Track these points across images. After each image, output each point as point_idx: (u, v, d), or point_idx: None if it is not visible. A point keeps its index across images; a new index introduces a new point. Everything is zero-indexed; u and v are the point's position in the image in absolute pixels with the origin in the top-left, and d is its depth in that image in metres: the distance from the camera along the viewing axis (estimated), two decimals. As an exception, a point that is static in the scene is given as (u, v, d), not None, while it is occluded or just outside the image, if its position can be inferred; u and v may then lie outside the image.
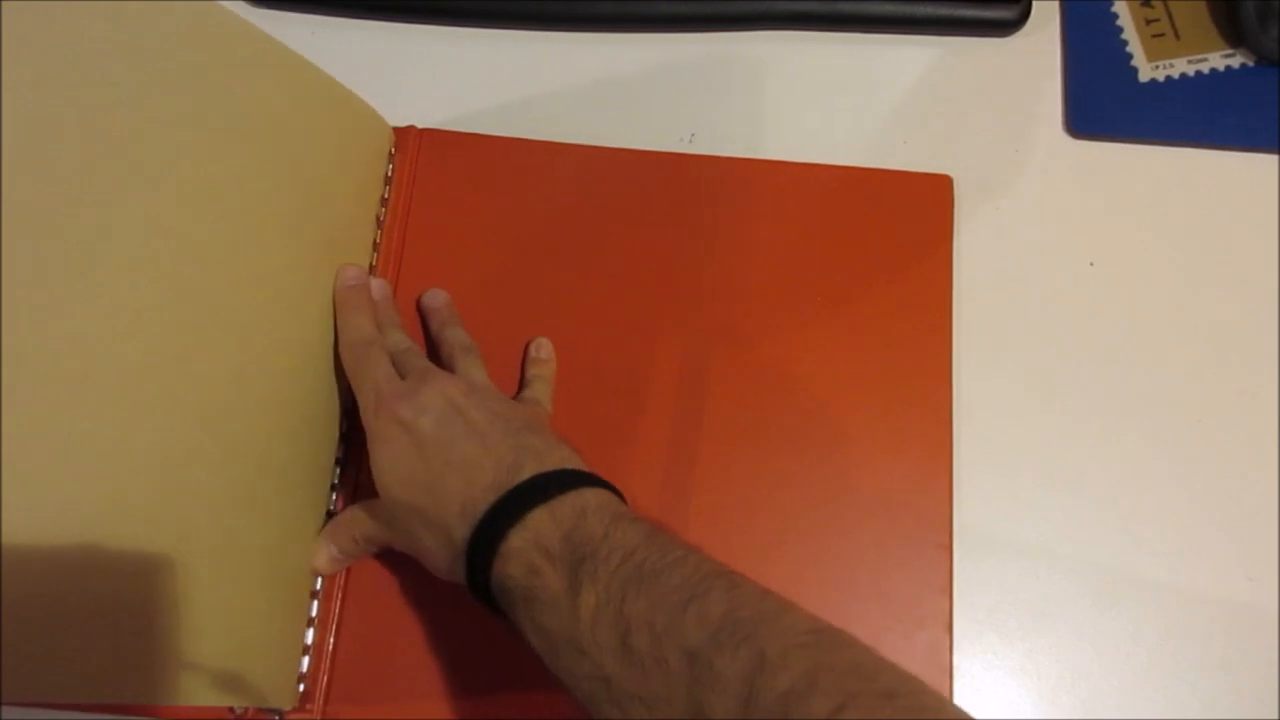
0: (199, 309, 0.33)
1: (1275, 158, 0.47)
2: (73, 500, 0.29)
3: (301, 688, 0.39)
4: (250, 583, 0.36)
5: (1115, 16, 0.49)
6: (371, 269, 0.44)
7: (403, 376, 0.38)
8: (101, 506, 0.29)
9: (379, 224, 0.45)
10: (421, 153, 0.46)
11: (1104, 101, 0.48)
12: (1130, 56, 0.48)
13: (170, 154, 0.31)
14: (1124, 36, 0.49)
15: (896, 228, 0.45)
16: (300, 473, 0.39)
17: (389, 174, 0.46)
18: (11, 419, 0.26)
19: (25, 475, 0.26)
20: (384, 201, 0.45)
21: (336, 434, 0.42)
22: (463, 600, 0.34)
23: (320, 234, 0.40)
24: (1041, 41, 0.49)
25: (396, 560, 0.40)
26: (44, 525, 0.28)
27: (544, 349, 0.43)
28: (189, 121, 0.32)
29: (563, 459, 0.34)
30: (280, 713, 0.38)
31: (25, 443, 0.27)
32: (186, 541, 0.32)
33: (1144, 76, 0.48)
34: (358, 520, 0.38)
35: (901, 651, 0.40)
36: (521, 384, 0.42)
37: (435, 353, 0.42)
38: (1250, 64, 0.48)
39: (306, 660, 0.39)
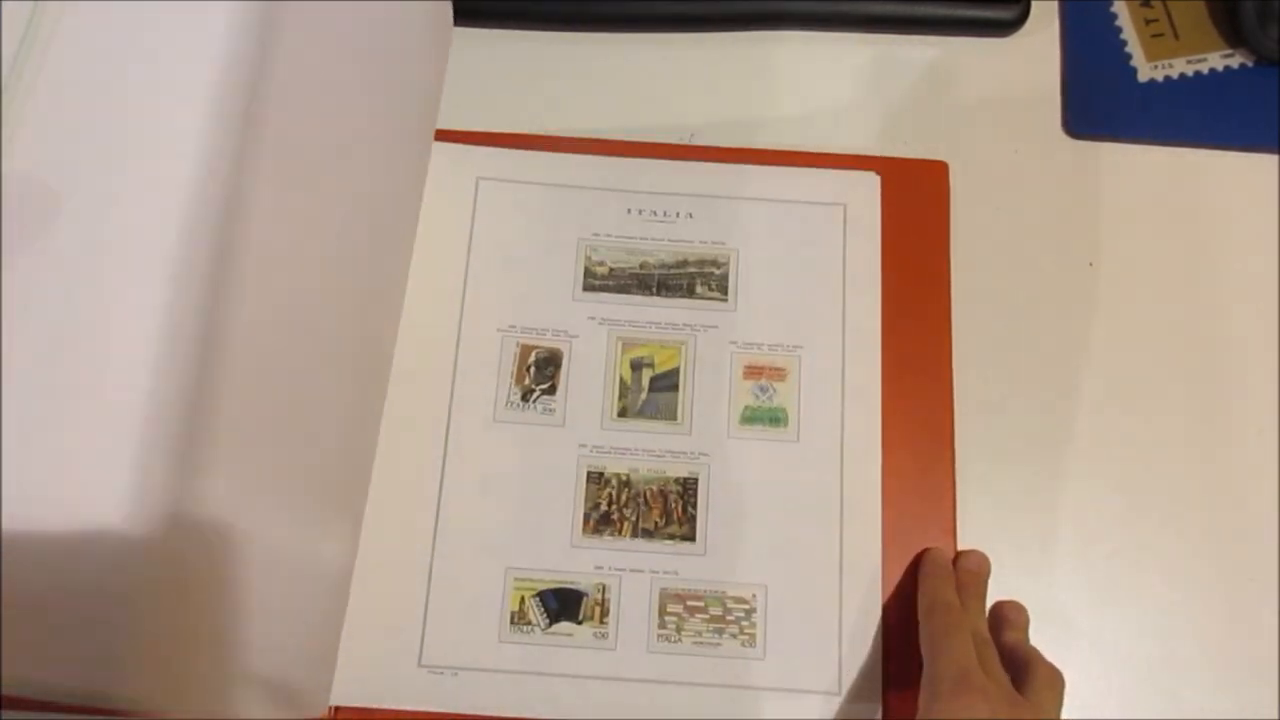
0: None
1: (1275, 158, 0.47)
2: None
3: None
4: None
5: (1115, 17, 0.49)
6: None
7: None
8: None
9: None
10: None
11: (1103, 102, 0.48)
12: (1129, 57, 0.48)
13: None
14: (1123, 37, 0.49)
15: (894, 213, 0.45)
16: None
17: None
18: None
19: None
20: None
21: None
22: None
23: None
24: (1041, 41, 0.49)
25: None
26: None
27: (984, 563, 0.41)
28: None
29: None
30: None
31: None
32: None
33: (1143, 77, 0.48)
34: None
35: (909, 637, 0.40)
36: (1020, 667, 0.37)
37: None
38: (1250, 64, 0.48)
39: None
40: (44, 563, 0.28)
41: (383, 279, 0.41)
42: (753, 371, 0.43)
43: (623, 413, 0.43)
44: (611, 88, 0.49)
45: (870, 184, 0.46)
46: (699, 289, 0.45)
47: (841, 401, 0.43)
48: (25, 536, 0.27)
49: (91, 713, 0.38)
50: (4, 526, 0.26)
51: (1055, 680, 0.36)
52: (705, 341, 0.44)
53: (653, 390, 0.43)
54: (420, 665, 0.39)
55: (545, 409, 0.43)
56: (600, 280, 0.45)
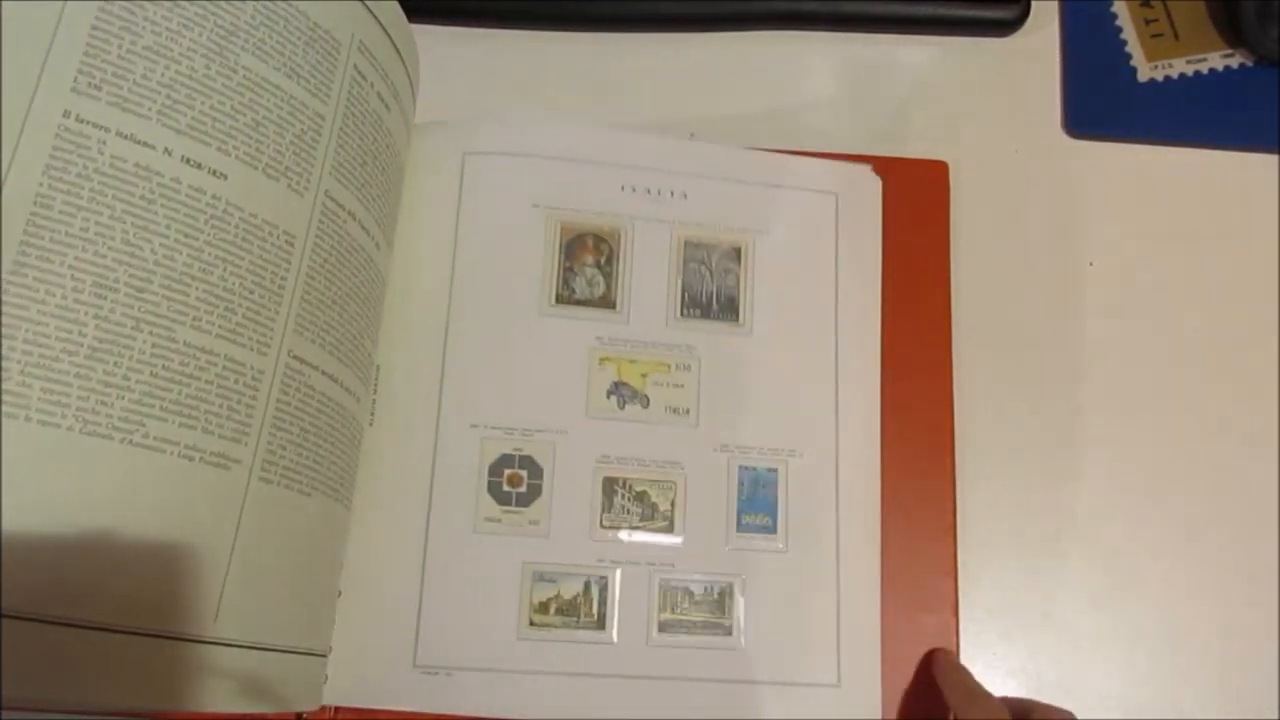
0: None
1: (1275, 158, 0.47)
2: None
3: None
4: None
5: (1114, 16, 0.49)
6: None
7: None
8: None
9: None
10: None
11: (1103, 101, 0.48)
12: (1129, 56, 0.48)
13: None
14: (1123, 36, 0.49)
15: (894, 213, 0.45)
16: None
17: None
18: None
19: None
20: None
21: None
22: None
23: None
24: (1041, 41, 0.49)
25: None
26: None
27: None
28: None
29: None
30: (302, 714, 0.38)
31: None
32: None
33: (1143, 76, 0.48)
34: None
35: (908, 635, 0.40)
36: None
37: None
38: (1250, 64, 0.48)
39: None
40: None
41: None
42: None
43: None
44: (611, 88, 0.49)
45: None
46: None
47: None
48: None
49: (90, 713, 0.38)
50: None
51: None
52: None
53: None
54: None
55: None
56: None
